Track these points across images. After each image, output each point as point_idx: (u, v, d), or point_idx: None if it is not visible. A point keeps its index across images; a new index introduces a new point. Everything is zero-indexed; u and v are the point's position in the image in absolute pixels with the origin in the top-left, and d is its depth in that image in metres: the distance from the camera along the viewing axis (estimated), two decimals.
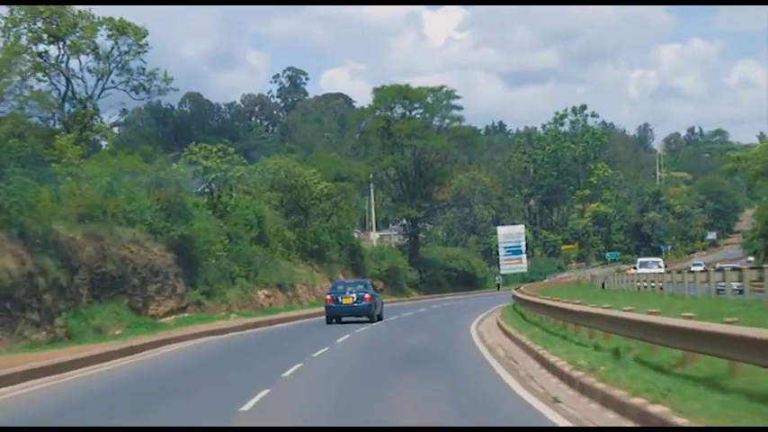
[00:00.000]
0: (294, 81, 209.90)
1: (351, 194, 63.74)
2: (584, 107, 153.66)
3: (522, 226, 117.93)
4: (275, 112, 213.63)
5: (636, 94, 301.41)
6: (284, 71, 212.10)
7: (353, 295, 34.44)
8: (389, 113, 75.13)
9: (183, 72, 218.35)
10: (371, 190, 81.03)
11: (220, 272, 42.10)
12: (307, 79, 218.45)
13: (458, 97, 75.43)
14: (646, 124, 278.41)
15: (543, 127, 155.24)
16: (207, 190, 47.48)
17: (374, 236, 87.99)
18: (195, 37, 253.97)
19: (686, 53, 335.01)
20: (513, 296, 41.05)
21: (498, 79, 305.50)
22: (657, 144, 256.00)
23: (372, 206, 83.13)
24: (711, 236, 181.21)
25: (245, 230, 47.29)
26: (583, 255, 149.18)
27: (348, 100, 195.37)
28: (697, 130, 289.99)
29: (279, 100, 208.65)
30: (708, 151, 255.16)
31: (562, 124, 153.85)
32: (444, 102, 75.28)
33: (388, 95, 74.36)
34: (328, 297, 35.49)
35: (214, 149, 46.95)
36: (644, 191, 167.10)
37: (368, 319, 34.32)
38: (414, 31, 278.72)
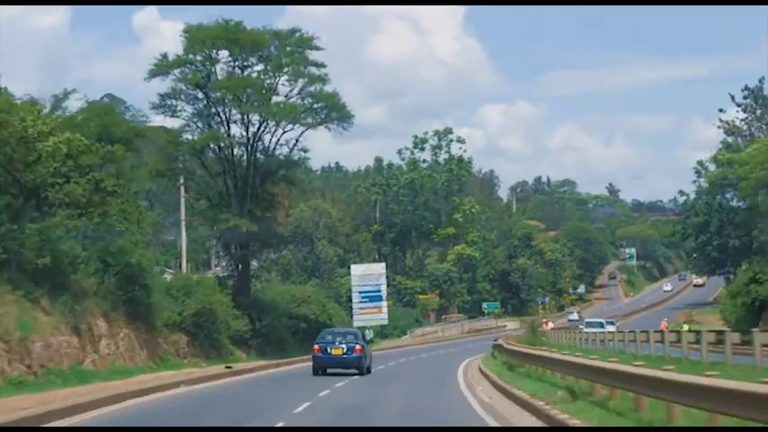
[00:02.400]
0: None
1: (134, 170, 34.92)
2: (448, 130, 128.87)
3: (383, 265, 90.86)
4: None
5: (461, 152, 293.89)
6: (101, 98, 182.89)
7: (343, 346, 32.02)
8: (210, 66, 46.53)
9: None
10: (182, 193, 52.23)
11: None
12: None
13: (318, 48, 47.39)
14: (491, 170, 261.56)
15: (399, 153, 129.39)
16: None
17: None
18: (18, 80, 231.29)
19: (512, 114, 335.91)
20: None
21: (325, 132, 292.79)
22: (504, 192, 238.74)
23: (182, 219, 54.16)
24: (581, 289, 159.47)
25: None
26: (443, 306, 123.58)
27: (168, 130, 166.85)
28: (544, 179, 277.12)
29: None
30: (557, 201, 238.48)
31: (423, 149, 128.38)
32: (297, 53, 47.17)
33: (208, 38, 45.74)
34: (316, 347, 32.44)
35: None
36: (513, 233, 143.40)
37: (357, 372, 31.68)
38: None
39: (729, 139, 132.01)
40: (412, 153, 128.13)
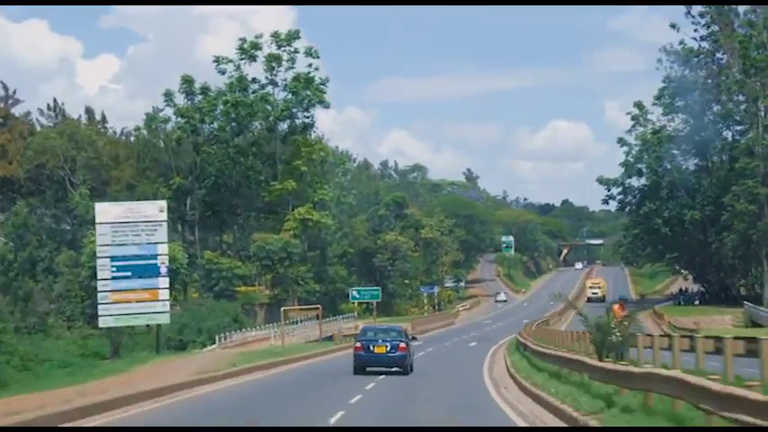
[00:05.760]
0: None
1: None
2: (293, 34, 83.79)
3: (162, 206, 45.45)
4: None
5: (311, 70, 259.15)
6: None
7: (387, 344, 29.84)
8: None
9: None
10: None
11: None
12: None
13: None
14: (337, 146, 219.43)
15: (216, 63, 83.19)
16: None
17: None
18: None
19: (341, 120, 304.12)
20: None
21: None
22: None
23: None
24: (463, 282, 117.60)
25: None
26: (279, 298, 78.94)
27: None
28: (391, 164, 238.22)
29: None
30: (409, 186, 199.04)
31: (253, 59, 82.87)
32: None
33: None
34: (358, 345, 30.50)
35: None
36: (379, 199, 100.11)
37: (401, 371, 29.44)
38: (66, 78, 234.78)
39: (674, 72, 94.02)
40: (237, 67, 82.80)
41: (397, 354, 29.53)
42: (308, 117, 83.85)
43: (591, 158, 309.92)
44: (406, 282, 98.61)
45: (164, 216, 43.26)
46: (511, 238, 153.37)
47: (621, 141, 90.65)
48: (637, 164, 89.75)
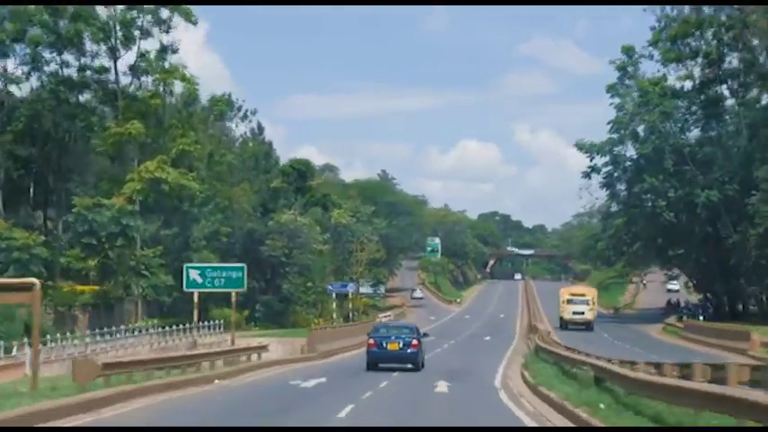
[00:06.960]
0: None
1: None
2: None
3: None
4: None
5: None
6: None
7: (400, 341, 30.19)
8: None
9: None
10: None
11: None
12: None
13: None
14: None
15: None
16: None
17: None
18: None
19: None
20: None
21: None
22: None
23: None
24: (381, 288, 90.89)
25: None
26: (109, 296, 51.35)
27: None
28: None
29: None
30: (320, 186, 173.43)
31: None
32: None
33: None
34: (371, 341, 30.69)
35: None
36: (273, 164, 73.19)
37: (413, 367, 29.76)
38: None
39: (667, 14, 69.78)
40: None
41: (410, 350, 29.65)
42: (166, 31, 56.65)
43: (500, 179, 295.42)
44: (309, 284, 71.48)
45: None
46: (437, 240, 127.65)
47: (612, 90, 65.31)
48: (632, 124, 64.39)
